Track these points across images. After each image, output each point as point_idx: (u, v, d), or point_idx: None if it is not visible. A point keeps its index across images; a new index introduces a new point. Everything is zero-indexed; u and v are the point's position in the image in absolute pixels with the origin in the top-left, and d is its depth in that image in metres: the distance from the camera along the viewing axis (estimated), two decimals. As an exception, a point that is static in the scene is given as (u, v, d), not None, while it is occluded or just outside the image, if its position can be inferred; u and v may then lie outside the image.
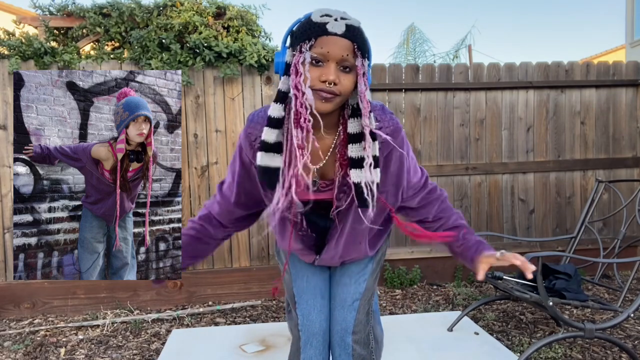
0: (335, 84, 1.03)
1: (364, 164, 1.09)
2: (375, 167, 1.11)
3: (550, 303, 2.09)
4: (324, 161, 1.20)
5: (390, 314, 3.08)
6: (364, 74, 1.06)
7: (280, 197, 1.10)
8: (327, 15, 1.03)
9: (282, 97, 1.08)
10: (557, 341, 2.40)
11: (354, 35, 1.03)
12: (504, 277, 2.48)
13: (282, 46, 1.10)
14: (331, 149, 1.19)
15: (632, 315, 2.11)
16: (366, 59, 1.06)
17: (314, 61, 1.03)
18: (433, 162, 3.63)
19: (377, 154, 1.11)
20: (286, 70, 1.08)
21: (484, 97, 3.69)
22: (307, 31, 1.03)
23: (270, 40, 3.49)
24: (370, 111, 1.08)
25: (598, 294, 3.33)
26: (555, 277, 2.45)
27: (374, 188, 1.10)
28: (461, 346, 2.48)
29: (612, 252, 2.81)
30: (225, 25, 3.32)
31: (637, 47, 9.95)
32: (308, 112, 1.02)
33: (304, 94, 1.02)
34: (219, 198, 1.36)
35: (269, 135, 1.08)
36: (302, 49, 1.03)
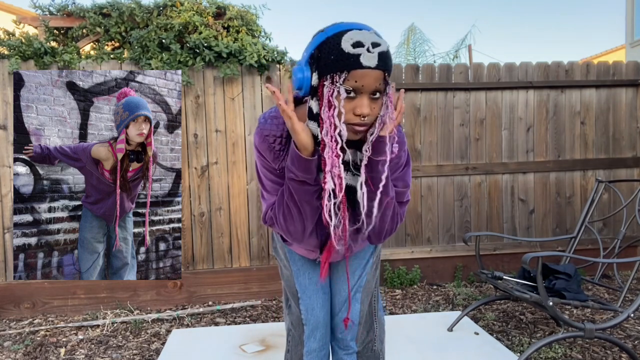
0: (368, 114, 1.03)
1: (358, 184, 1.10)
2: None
3: (550, 303, 2.09)
4: None
5: (390, 314, 3.08)
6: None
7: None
8: (359, 44, 0.98)
9: (315, 117, 1.06)
10: (557, 341, 2.40)
11: (386, 64, 1.01)
12: (504, 277, 2.48)
13: (304, 63, 1.05)
14: None
15: (632, 315, 2.11)
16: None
17: (346, 92, 1.01)
18: (433, 162, 3.63)
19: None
20: (312, 92, 1.05)
21: (484, 97, 3.69)
22: (338, 62, 0.98)
23: (270, 40, 3.49)
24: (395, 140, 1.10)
25: (598, 294, 3.33)
26: (555, 277, 2.45)
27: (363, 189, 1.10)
28: (461, 346, 2.48)
29: (612, 252, 2.81)
30: (225, 25, 3.32)
31: (637, 47, 9.96)
32: (339, 146, 1.02)
33: (336, 127, 1.01)
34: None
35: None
36: (334, 81, 1.00)
